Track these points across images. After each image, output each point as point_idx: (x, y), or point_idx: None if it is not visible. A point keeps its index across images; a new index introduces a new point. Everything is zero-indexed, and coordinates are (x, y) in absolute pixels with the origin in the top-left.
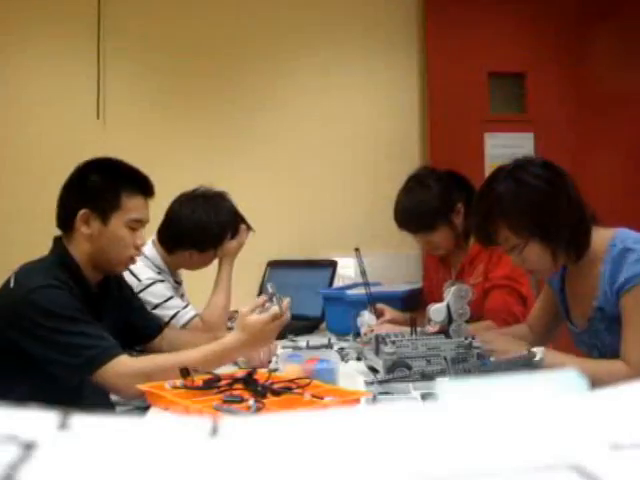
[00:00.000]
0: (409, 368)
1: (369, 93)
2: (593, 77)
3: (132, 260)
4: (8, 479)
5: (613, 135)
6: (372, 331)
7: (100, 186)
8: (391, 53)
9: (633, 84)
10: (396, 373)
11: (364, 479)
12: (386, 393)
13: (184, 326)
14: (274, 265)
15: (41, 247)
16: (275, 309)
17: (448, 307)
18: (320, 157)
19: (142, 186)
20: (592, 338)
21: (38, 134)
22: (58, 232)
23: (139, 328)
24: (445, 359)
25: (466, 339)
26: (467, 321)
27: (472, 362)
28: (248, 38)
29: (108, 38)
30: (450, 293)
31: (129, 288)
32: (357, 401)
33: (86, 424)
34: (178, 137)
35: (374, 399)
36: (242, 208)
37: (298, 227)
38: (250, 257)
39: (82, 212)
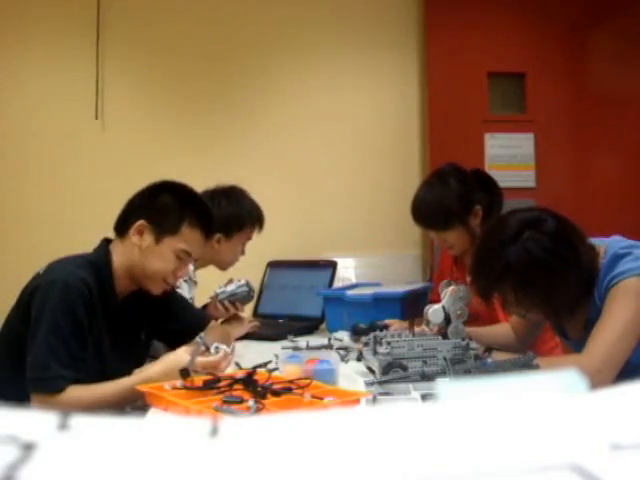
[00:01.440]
0: (404, 369)
1: (369, 93)
2: (593, 77)
3: (165, 285)
4: None
5: (613, 135)
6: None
7: (167, 206)
8: (391, 53)
9: (633, 84)
10: (391, 374)
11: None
12: (386, 394)
13: None
14: (274, 265)
15: (39, 246)
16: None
17: (444, 308)
18: (320, 157)
19: (205, 223)
20: None
21: (36, 134)
22: (54, 232)
23: (187, 326)
24: (445, 359)
25: (463, 340)
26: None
27: (472, 363)
28: (247, 38)
29: (107, 38)
30: (447, 294)
31: (167, 293)
32: (357, 402)
33: (86, 424)
34: (177, 138)
35: (374, 400)
36: None
37: (298, 227)
38: (250, 257)
39: (140, 222)
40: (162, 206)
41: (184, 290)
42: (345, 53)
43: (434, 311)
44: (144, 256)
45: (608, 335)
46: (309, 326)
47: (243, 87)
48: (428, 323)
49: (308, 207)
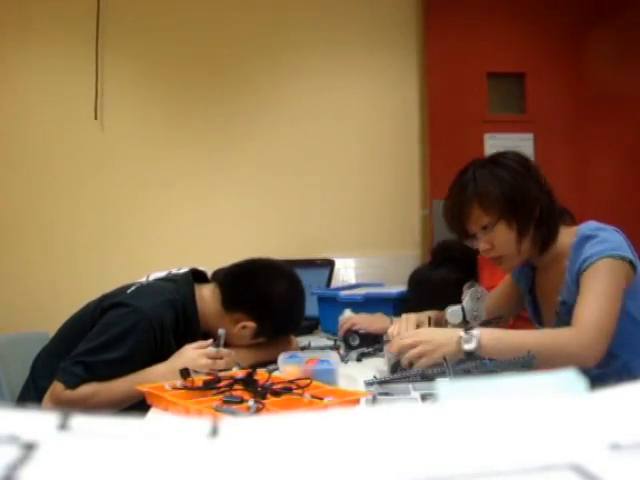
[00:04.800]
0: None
1: (369, 93)
2: (593, 77)
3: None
4: None
5: (613, 135)
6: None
7: (285, 328)
8: (391, 53)
9: (633, 84)
10: (399, 372)
11: None
12: (386, 394)
13: None
14: None
15: (38, 246)
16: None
17: (463, 309)
18: (320, 157)
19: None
20: None
21: (35, 134)
22: (52, 232)
23: None
24: (445, 359)
25: None
26: (482, 323)
27: (472, 363)
28: (247, 39)
29: (106, 39)
30: (467, 295)
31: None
32: (357, 402)
33: (86, 424)
34: (176, 138)
35: (374, 400)
36: (243, 209)
37: (298, 227)
38: (249, 257)
39: (250, 324)
40: (279, 324)
41: None
42: (345, 54)
43: (453, 312)
44: (233, 337)
45: (593, 306)
46: (308, 326)
47: (243, 89)
48: (447, 323)
49: (308, 208)
